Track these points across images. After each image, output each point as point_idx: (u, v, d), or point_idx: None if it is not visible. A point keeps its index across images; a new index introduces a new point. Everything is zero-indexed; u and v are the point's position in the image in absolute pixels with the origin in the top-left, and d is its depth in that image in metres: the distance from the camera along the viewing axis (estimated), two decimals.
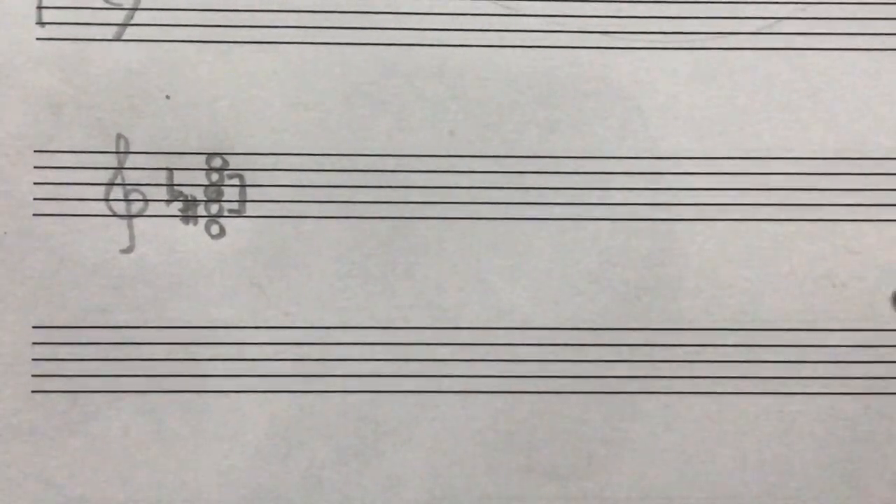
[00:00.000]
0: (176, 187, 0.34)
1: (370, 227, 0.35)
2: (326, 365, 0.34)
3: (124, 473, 0.34)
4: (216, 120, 0.34)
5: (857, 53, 0.35)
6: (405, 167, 0.34)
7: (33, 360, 0.34)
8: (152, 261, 0.34)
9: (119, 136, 0.34)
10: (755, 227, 0.35)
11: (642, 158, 0.35)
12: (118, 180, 0.34)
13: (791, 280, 0.35)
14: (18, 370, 0.34)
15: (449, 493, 0.35)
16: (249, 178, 0.34)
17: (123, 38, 0.34)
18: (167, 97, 0.34)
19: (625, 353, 0.35)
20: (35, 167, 0.34)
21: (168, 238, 0.34)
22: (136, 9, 0.34)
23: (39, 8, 0.34)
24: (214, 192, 0.34)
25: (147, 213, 0.34)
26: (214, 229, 0.34)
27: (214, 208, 0.34)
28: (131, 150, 0.34)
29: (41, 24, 0.34)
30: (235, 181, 0.34)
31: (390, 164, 0.34)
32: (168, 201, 0.34)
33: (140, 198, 0.34)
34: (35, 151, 0.34)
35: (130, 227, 0.34)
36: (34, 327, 0.34)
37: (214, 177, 0.34)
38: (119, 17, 0.34)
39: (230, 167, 0.34)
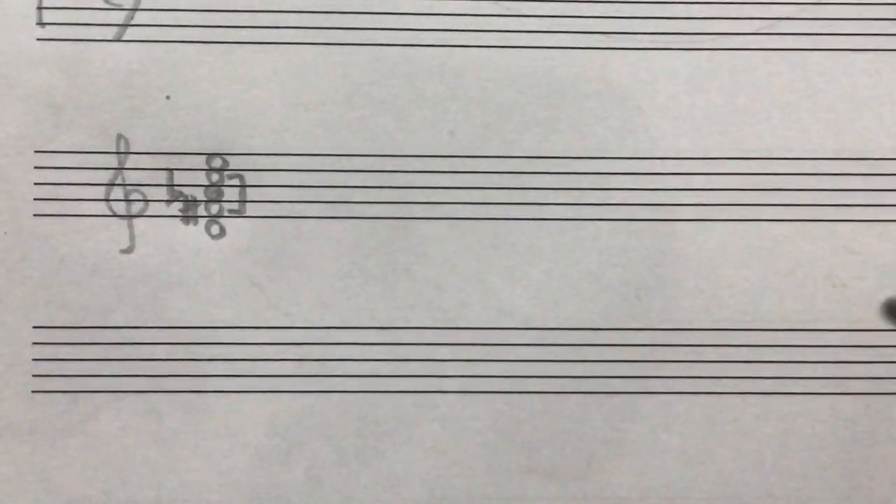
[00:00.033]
0: (176, 187, 0.34)
1: (370, 227, 0.35)
2: (326, 365, 0.34)
3: (124, 473, 0.34)
4: (216, 120, 0.34)
5: (857, 53, 0.35)
6: (405, 167, 0.34)
7: (33, 360, 0.34)
8: (152, 261, 0.34)
9: (119, 137, 0.34)
10: (755, 227, 0.35)
11: (642, 158, 0.35)
12: (118, 180, 0.34)
13: (791, 280, 0.35)
14: (18, 370, 0.34)
15: (449, 493, 0.35)
16: (249, 178, 0.34)
17: (123, 38, 0.34)
18: (167, 97, 0.34)
19: (625, 353, 0.35)
20: (35, 167, 0.34)
21: (168, 238, 0.34)
22: (136, 9, 0.34)
23: (39, 8, 0.34)
24: (214, 193, 0.34)
25: (147, 213, 0.34)
26: (214, 229, 0.34)
27: (214, 208, 0.34)
28: (131, 150, 0.34)
29: (41, 24, 0.34)
30: (235, 181, 0.34)
31: (390, 164, 0.34)
32: (168, 201, 0.34)
33: (140, 198, 0.34)
34: (35, 151, 0.34)
35: (130, 227, 0.34)
36: (34, 327, 0.34)
37: (214, 177, 0.34)
38: (119, 17, 0.34)
39: (230, 167, 0.34)
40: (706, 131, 0.35)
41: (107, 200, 0.34)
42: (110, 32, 0.34)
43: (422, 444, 0.35)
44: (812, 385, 0.35)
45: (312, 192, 0.34)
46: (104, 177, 0.34)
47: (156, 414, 0.34)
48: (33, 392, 0.34)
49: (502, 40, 0.35)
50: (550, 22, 0.35)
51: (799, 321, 0.35)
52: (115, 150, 0.34)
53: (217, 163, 0.34)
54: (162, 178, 0.34)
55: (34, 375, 0.34)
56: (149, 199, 0.34)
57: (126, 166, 0.34)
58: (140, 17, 0.34)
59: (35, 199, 0.34)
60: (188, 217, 0.34)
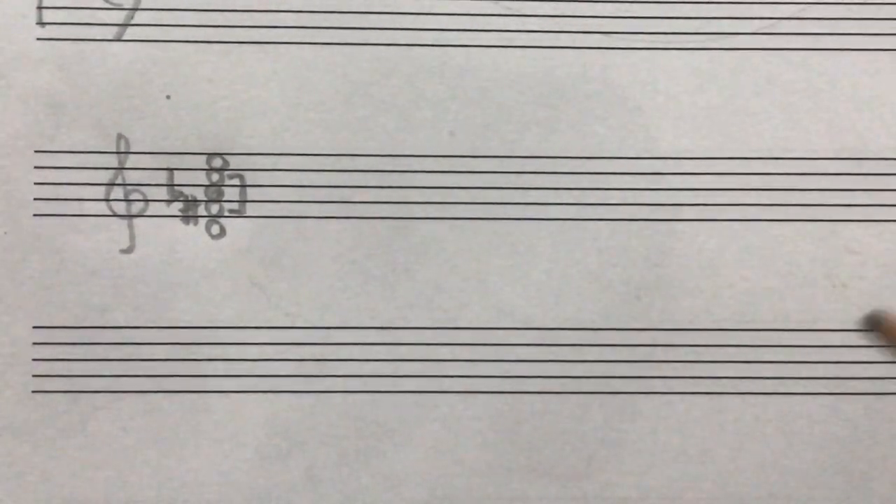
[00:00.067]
0: (176, 187, 0.34)
1: (370, 227, 0.35)
2: (326, 365, 0.34)
3: (124, 473, 0.34)
4: (216, 120, 0.34)
5: (857, 53, 0.35)
6: (405, 167, 0.34)
7: (33, 360, 0.34)
8: (152, 261, 0.34)
9: (119, 136, 0.34)
10: (755, 227, 0.35)
11: (642, 158, 0.35)
12: (118, 180, 0.34)
13: (791, 280, 0.35)
14: (18, 370, 0.34)
15: (449, 493, 0.35)
16: (249, 178, 0.34)
17: (123, 38, 0.34)
18: (167, 97, 0.34)
19: (625, 353, 0.35)
20: (35, 167, 0.34)
21: (168, 238, 0.34)
22: (136, 9, 0.34)
23: (39, 8, 0.34)
24: (215, 193, 0.34)
25: (147, 213, 0.34)
26: (215, 229, 0.34)
27: (215, 208, 0.34)
28: (132, 150, 0.34)
29: (41, 24, 0.34)
30: (235, 181, 0.34)
31: (390, 164, 0.34)
32: (168, 201, 0.34)
33: (140, 198, 0.34)
34: (35, 151, 0.34)
35: (131, 227, 0.34)
36: (34, 327, 0.34)
37: (215, 177, 0.34)
38: (119, 17, 0.34)
39: (230, 167, 0.34)
40: (706, 131, 0.35)
41: (107, 200, 0.34)
42: (110, 32, 0.34)
43: (422, 444, 0.35)
44: (812, 385, 0.35)
45: (312, 192, 0.34)
46: (104, 176, 0.34)
47: (156, 414, 0.34)
48: (33, 392, 0.34)
49: (502, 40, 0.35)
50: (550, 22, 0.35)
51: (799, 321, 0.35)
52: (115, 150, 0.34)
53: (217, 163, 0.34)
54: (162, 177, 0.34)
55: (34, 375, 0.34)
56: (149, 198, 0.34)
57: (126, 166, 0.34)
58: (140, 17, 0.34)
59: (35, 199, 0.34)
60: (188, 217, 0.34)
